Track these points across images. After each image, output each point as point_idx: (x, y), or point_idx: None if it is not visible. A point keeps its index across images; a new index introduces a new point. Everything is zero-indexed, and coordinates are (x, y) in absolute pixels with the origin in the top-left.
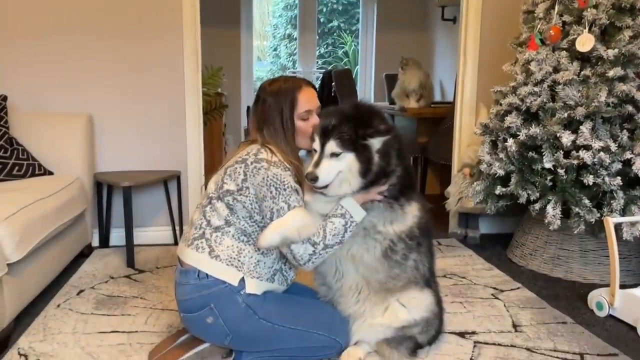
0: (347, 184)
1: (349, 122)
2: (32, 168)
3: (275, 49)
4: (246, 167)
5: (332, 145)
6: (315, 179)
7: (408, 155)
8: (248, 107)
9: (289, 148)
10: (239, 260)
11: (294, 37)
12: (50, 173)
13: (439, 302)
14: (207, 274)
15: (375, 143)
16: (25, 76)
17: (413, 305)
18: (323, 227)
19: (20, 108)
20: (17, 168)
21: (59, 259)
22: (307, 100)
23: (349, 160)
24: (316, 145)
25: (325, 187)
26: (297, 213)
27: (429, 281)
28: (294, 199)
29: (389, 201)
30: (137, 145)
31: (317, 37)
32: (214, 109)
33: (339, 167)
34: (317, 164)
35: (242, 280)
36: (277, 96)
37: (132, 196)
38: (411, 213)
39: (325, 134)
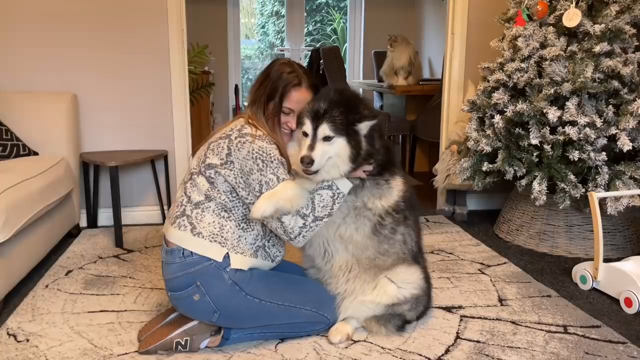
0: (336, 169)
1: (338, 106)
2: (16, 148)
3: (263, 27)
4: (230, 142)
5: (324, 129)
6: (311, 162)
7: (386, 133)
8: (236, 86)
9: (270, 129)
10: (221, 236)
11: (282, 14)
12: (35, 153)
13: (427, 278)
14: (191, 252)
15: (363, 128)
16: (6, 55)
17: (401, 280)
18: (312, 199)
19: (2, 87)
20: (0, 149)
21: (46, 239)
22: (297, 100)
23: (340, 145)
24: (307, 128)
25: (316, 172)
26: (289, 184)
27: (417, 257)
28: (282, 172)
29: (374, 178)
30: (123, 124)
31: (305, 14)
32: (201, 88)
33: (330, 152)
34: (312, 147)
35: (227, 256)
36: (276, 80)
37: (119, 176)
38: (396, 187)
39: (317, 117)
